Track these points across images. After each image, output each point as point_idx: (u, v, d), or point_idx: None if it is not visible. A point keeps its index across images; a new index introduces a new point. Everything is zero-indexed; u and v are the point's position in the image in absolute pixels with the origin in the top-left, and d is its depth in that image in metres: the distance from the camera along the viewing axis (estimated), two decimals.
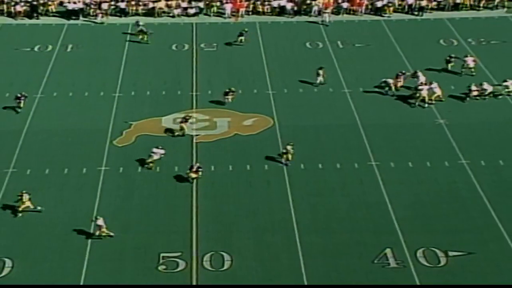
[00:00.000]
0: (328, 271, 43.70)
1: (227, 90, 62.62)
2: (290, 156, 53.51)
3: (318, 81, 65.91)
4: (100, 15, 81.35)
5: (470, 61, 66.88)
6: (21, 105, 60.56)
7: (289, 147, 53.74)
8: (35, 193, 50.57)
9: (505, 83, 63.49)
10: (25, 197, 47.91)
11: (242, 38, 75.17)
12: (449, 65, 67.82)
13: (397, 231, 46.91)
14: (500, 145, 56.25)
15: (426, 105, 61.62)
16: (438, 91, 62.28)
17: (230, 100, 62.28)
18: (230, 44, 75.04)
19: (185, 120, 58.30)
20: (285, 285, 42.51)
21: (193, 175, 51.80)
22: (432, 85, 62.44)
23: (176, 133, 57.77)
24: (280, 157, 53.85)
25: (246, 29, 76.54)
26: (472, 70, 66.52)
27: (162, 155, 54.44)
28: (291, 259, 44.55)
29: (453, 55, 68.02)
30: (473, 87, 62.60)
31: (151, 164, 54.04)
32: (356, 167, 53.86)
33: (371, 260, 44.35)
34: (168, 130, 58.09)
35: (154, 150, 54.40)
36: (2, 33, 77.85)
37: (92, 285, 40.89)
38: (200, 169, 52.04)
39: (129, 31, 78.67)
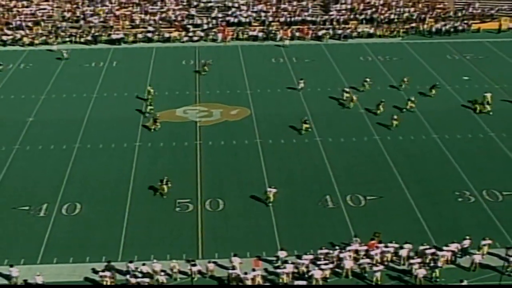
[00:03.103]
0: (287, 208, 44.32)
1: (304, 120, 56.11)
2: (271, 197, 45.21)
3: (299, 87, 64.84)
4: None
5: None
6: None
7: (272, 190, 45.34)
8: (93, 160, 51.20)
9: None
10: None
11: (206, 67, 71.72)
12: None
13: (333, 183, 47.34)
14: (400, 127, 56.39)
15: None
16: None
17: (303, 129, 55.23)
18: (199, 72, 71.22)
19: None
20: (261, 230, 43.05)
21: (165, 188, 46.10)
22: None
23: None
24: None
25: (211, 61, 73.81)
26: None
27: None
28: (263, 200, 45.00)
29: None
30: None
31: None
32: (306, 141, 53.98)
33: (316, 203, 44.91)
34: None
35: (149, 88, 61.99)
36: (71, 55, 76.78)
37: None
38: (169, 182, 46.49)
39: (154, 52, 78.56)
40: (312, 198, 45.41)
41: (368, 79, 65.43)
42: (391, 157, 51.19)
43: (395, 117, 56.52)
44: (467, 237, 39.32)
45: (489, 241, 38.96)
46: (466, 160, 50.63)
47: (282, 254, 38.47)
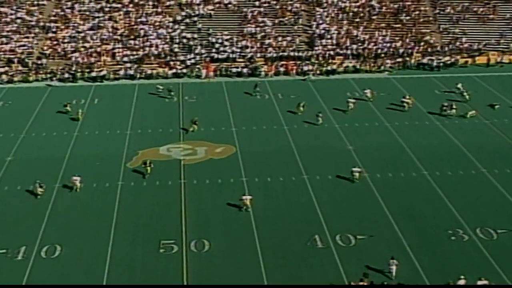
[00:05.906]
0: (275, 250, 43.39)
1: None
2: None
3: (319, 122, 65.06)
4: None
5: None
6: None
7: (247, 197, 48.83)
8: (74, 200, 50.19)
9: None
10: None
11: (257, 88, 75.29)
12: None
13: (322, 222, 46.61)
14: (392, 163, 56.32)
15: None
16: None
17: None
18: (250, 94, 72.98)
19: None
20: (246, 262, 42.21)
21: (148, 169, 53.81)
22: None
23: None
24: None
25: (259, 81, 75.95)
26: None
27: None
28: (250, 240, 44.31)
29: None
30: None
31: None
32: (293, 179, 53.39)
33: (305, 242, 44.15)
34: None
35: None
36: (52, 92, 76.81)
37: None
38: (151, 163, 54.22)
39: (136, 90, 78.13)
40: (300, 238, 44.61)
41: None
42: (380, 194, 50.66)
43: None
44: (462, 277, 38.72)
45: (485, 281, 38.38)
46: (458, 197, 50.15)
47: None
